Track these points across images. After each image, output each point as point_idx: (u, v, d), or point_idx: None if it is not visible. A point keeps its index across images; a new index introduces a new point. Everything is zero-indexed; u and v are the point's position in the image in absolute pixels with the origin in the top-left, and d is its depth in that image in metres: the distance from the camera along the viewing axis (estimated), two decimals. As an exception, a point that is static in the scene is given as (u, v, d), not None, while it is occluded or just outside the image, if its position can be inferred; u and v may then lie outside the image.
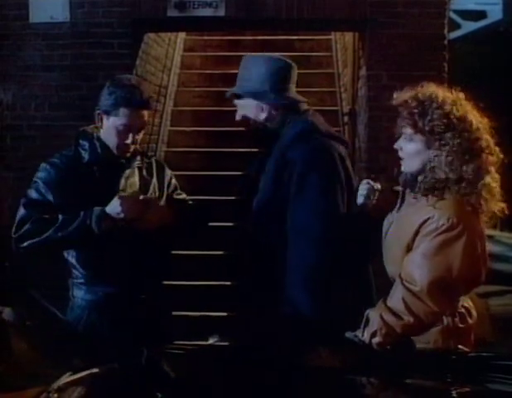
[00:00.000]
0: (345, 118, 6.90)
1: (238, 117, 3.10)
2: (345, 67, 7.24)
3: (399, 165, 2.77)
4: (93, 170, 3.09)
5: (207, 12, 5.72)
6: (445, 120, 2.59)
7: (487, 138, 2.64)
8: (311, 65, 7.85)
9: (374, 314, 2.62)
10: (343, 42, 7.46)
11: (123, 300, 3.11)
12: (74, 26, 5.72)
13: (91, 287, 3.11)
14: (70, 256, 3.13)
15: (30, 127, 5.81)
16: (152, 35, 6.78)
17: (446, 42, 5.71)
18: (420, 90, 2.69)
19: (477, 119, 2.64)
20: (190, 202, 3.34)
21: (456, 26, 9.42)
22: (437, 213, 2.57)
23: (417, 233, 2.61)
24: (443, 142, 2.59)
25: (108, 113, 3.04)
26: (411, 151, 2.68)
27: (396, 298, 2.60)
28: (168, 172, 3.33)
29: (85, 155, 3.10)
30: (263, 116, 3.04)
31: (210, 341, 2.75)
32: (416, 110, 2.63)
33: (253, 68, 3.05)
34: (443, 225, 2.55)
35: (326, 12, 5.73)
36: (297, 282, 2.84)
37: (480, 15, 10.10)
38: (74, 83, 5.70)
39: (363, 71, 5.96)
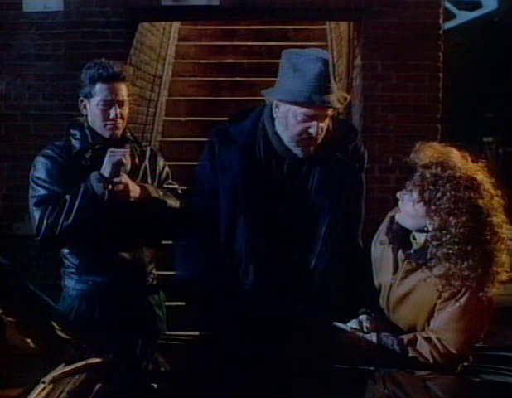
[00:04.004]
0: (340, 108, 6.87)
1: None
2: (339, 57, 7.22)
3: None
4: (84, 159, 3.10)
5: (201, 1, 5.71)
6: (452, 206, 2.42)
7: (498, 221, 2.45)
8: (305, 54, 7.81)
9: None
10: (338, 32, 7.43)
11: (113, 290, 3.12)
12: (67, 15, 5.70)
13: (82, 276, 3.13)
14: None
15: (24, 116, 5.80)
16: (146, 24, 6.75)
17: (441, 32, 5.69)
18: (443, 158, 2.50)
19: (489, 200, 2.45)
20: (180, 191, 3.31)
21: (452, 15, 9.39)
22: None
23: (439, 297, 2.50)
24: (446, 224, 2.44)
25: (87, 96, 3.07)
26: (410, 212, 2.55)
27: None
28: (161, 160, 3.34)
29: (76, 144, 3.11)
30: None
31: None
32: (430, 184, 2.47)
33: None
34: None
35: (320, 2, 5.72)
36: None
37: (475, 5, 10.07)
38: (68, 72, 5.64)
39: (358, 61, 5.95)
